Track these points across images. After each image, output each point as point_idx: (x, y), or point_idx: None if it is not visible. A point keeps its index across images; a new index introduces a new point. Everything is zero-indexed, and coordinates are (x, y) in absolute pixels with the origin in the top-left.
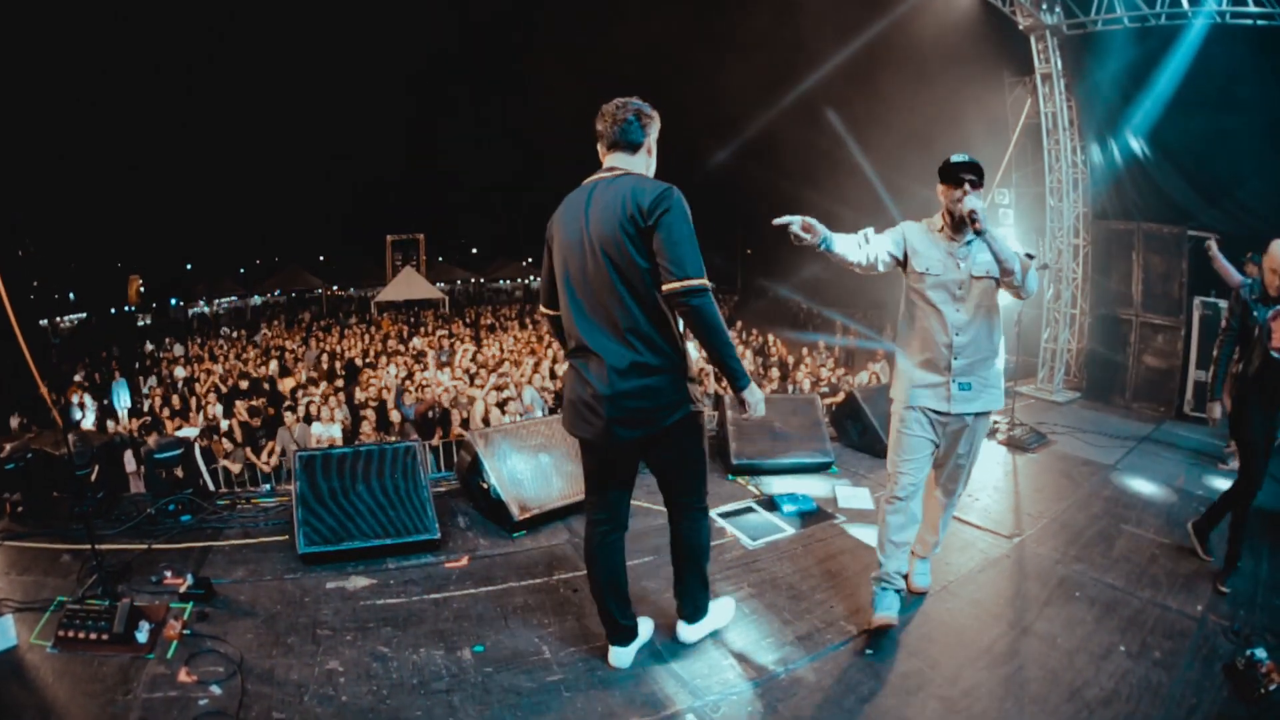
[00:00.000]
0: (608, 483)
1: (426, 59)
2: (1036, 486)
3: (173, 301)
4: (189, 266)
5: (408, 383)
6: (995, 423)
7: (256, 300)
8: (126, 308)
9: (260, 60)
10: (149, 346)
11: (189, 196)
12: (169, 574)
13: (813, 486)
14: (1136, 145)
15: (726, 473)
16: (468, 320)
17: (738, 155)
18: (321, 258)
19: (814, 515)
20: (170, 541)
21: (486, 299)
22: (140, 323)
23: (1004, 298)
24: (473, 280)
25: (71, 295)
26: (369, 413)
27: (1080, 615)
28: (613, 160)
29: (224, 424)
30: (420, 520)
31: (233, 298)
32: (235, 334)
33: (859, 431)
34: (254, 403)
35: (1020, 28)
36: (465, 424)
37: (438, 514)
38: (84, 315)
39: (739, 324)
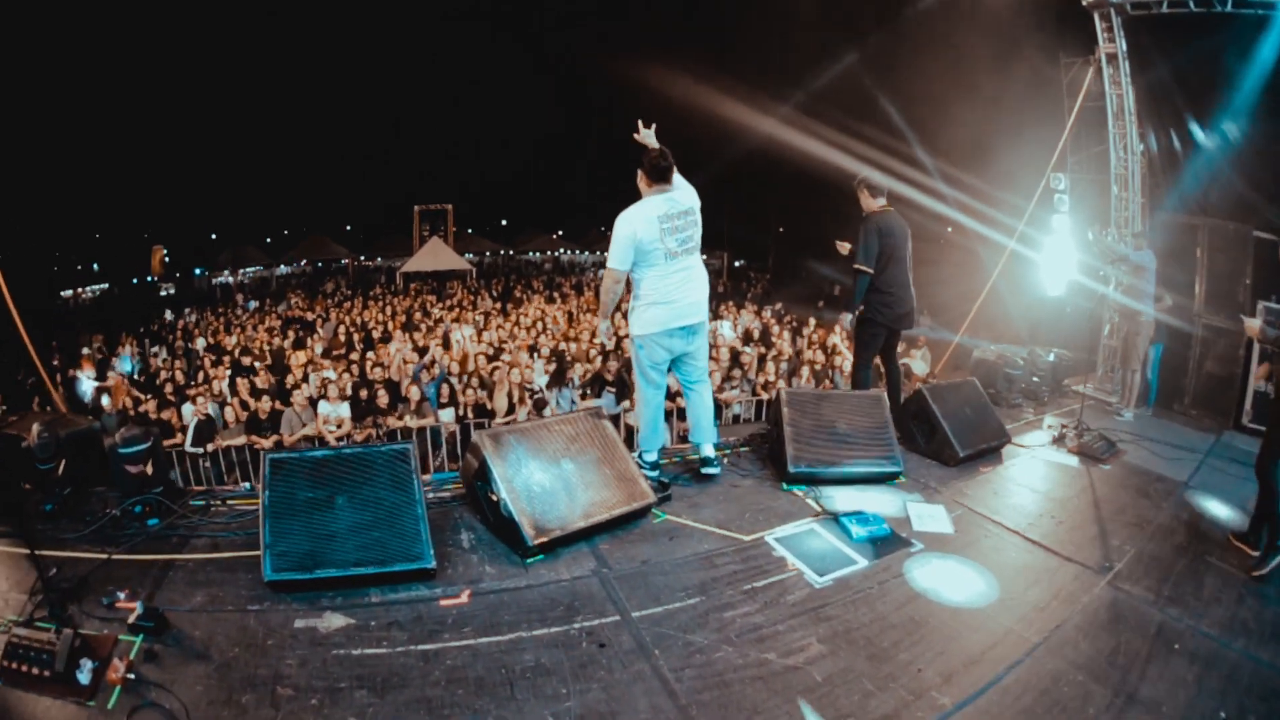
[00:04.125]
0: None
1: (458, 27)
2: (1117, 507)
3: (197, 271)
4: (214, 236)
5: (432, 354)
6: (1064, 427)
7: (282, 270)
8: (149, 278)
9: (287, 28)
10: (168, 316)
11: (214, 165)
12: (123, 595)
13: (881, 502)
14: (1201, 135)
15: (781, 481)
16: (495, 292)
17: (775, 132)
18: (348, 227)
19: (887, 541)
20: (132, 551)
21: (516, 270)
22: (163, 293)
23: None
24: (502, 252)
25: (95, 266)
26: (381, 390)
27: (1181, 673)
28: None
29: (228, 401)
30: (412, 545)
31: (258, 267)
32: (257, 304)
33: (927, 435)
34: (258, 380)
35: (1084, 3)
36: (483, 411)
37: (438, 525)
38: (105, 286)
39: (778, 304)
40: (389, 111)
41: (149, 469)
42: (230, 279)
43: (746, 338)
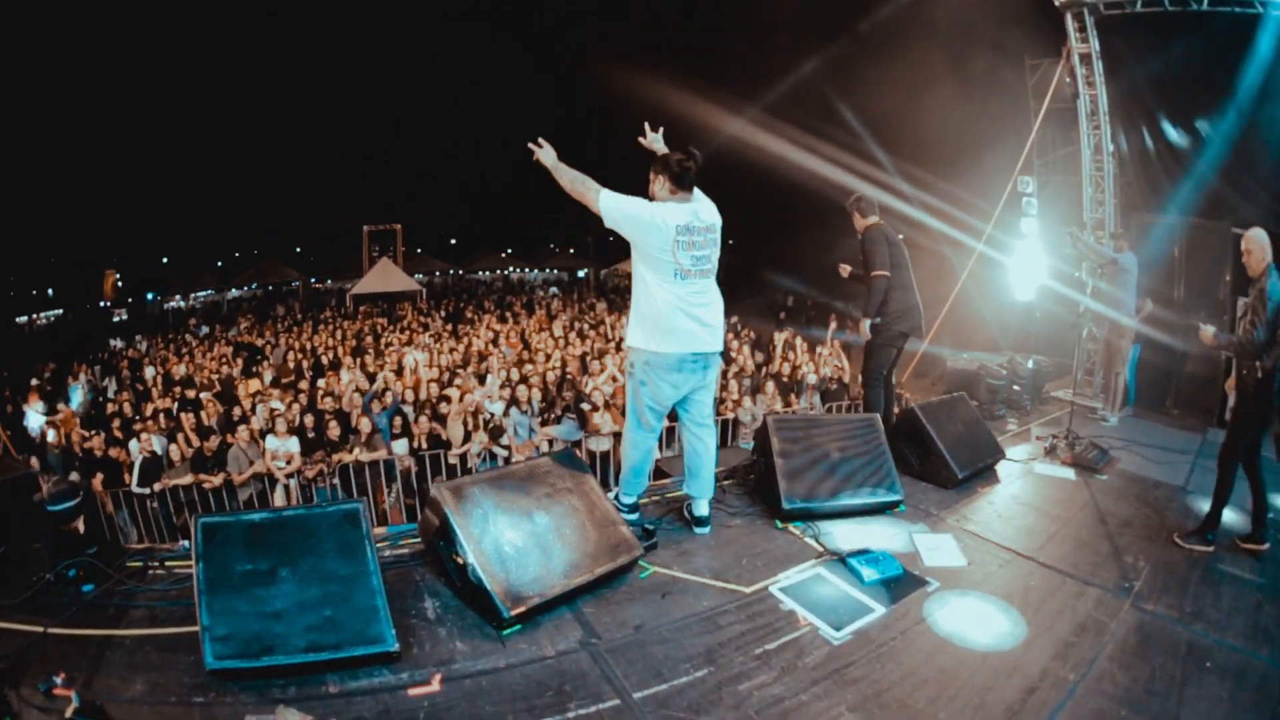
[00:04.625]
0: None
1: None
2: (1123, 519)
3: (149, 296)
4: (165, 260)
5: (383, 382)
6: (1054, 437)
7: (234, 293)
8: (102, 303)
9: (235, 51)
10: (118, 344)
11: (166, 189)
12: (59, 680)
13: (885, 536)
14: (1175, 135)
15: (774, 518)
16: (445, 312)
17: (731, 137)
18: (298, 249)
19: (900, 582)
20: (68, 624)
21: (466, 290)
22: (116, 318)
23: None
24: (451, 271)
25: (50, 291)
26: (332, 422)
27: (1216, 691)
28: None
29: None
30: (370, 624)
31: (209, 291)
32: (208, 330)
33: (921, 456)
34: (206, 411)
35: (1057, 3)
36: (438, 442)
37: (398, 590)
38: (60, 311)
39: (733, 318)
40: (339, 131)
41: (80, 526)
42: (182, 303)
43: None
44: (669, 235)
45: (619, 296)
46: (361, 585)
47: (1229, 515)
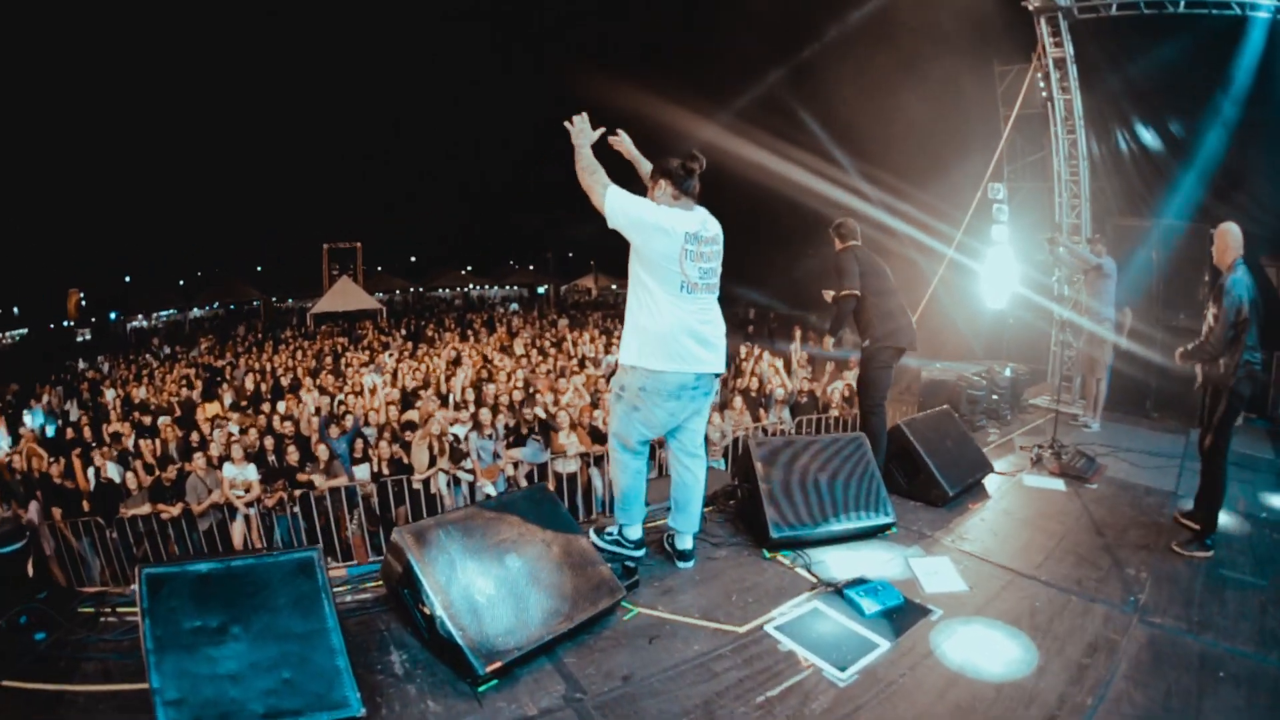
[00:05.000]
0: None
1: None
2: (1119, 529)
3: (112, 315)
4: (128, 279)
5: (343, 403)
6: (1039, 447)
7: (196, 312)
8: (65, 322)
9: (192, 69)
10: (81, 365)
11: (130, 206)
12: None
13: (879, 562)
14: (1149, 139)
15: (761, 548)
16: (406, 330)
17: (697, 143)
18: (259, 268)
19: (902, 612)
20: (20, 677)
21: (427, 308)
22: (79, 338)
23: None
24: (411, 289)
25: (15, 310)
26: (291, 448)
27: (1234, 701)
28: None
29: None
30: (332, 688)
31: (171, 310)
32: (169, 351)
33: (909, 475)
34: (165, 436)
35: (1031, 8)
36: (401, 466)
37: (361, 642)
38: (25, 331)
39: None
40: (300, 149)
41: (29, 568)
42: (145, 323)
43: None
44: (677, 242)
45: (579, 313)
46: (320, 644)
47: (1222, 516)
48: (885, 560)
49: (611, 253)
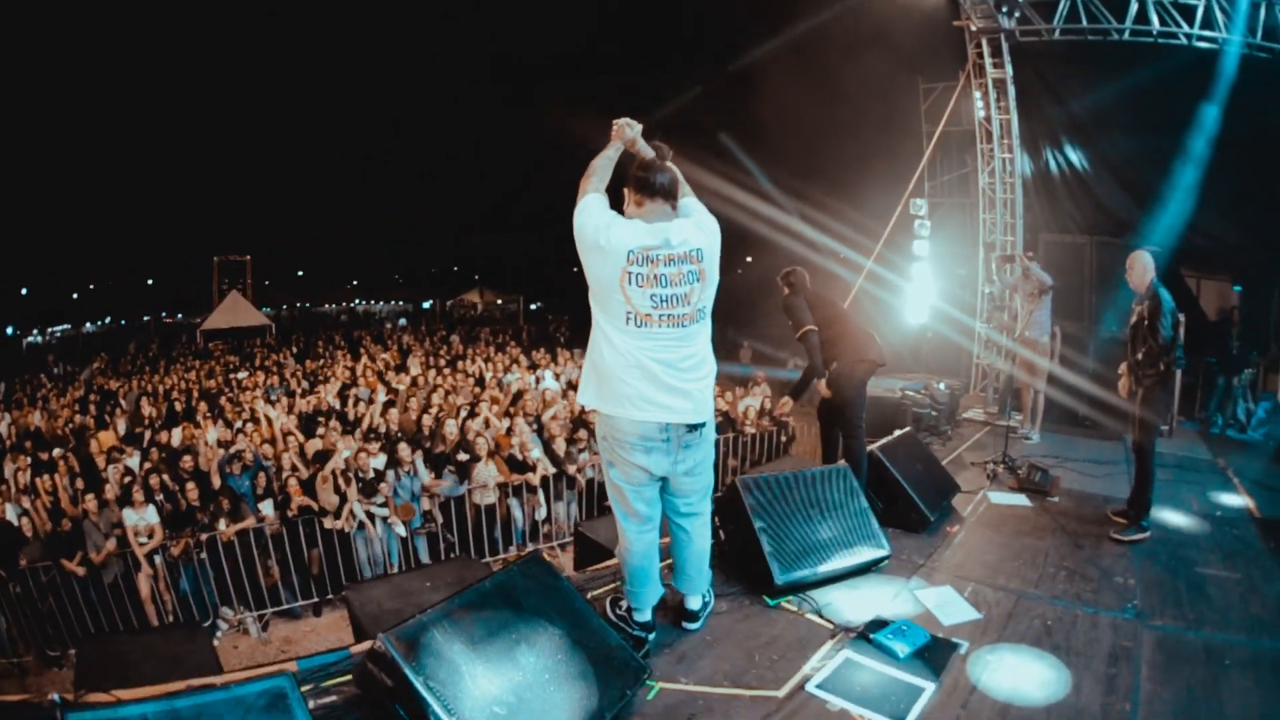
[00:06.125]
0: None
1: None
2: (1094, 539)
3: (9, 330)
4: (25, 291)
5: (241, 433)
6: (992, 463)
7: (89, 327)
8: None
9: (82, 77)
10: None
11: (24, 216)
12: None
13: (886, 598)
14: (1076, 157)
15: (761, 595)
16: (296, 349)
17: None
18: (150, 280)
19: (932, 650)
20: None
21: (314, 324)
22: None
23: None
24: (298, 305)
25: None
26: (190, 484)
27: (1243, 684)
28: None
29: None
30: None
31: (66, 325)
32: (60, 371)
33: (887, 501)
34: (58, 475)
35: (972, 29)
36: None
37: None
38: None
39: (574, 351)
40: (193, 156)
41: None
42: (39, 339)
43: (570, 389)
44: (615, 264)
45: (465, 328)
46: None
47: (1179, 516)
48: (892, 595)
49: (494, 266)
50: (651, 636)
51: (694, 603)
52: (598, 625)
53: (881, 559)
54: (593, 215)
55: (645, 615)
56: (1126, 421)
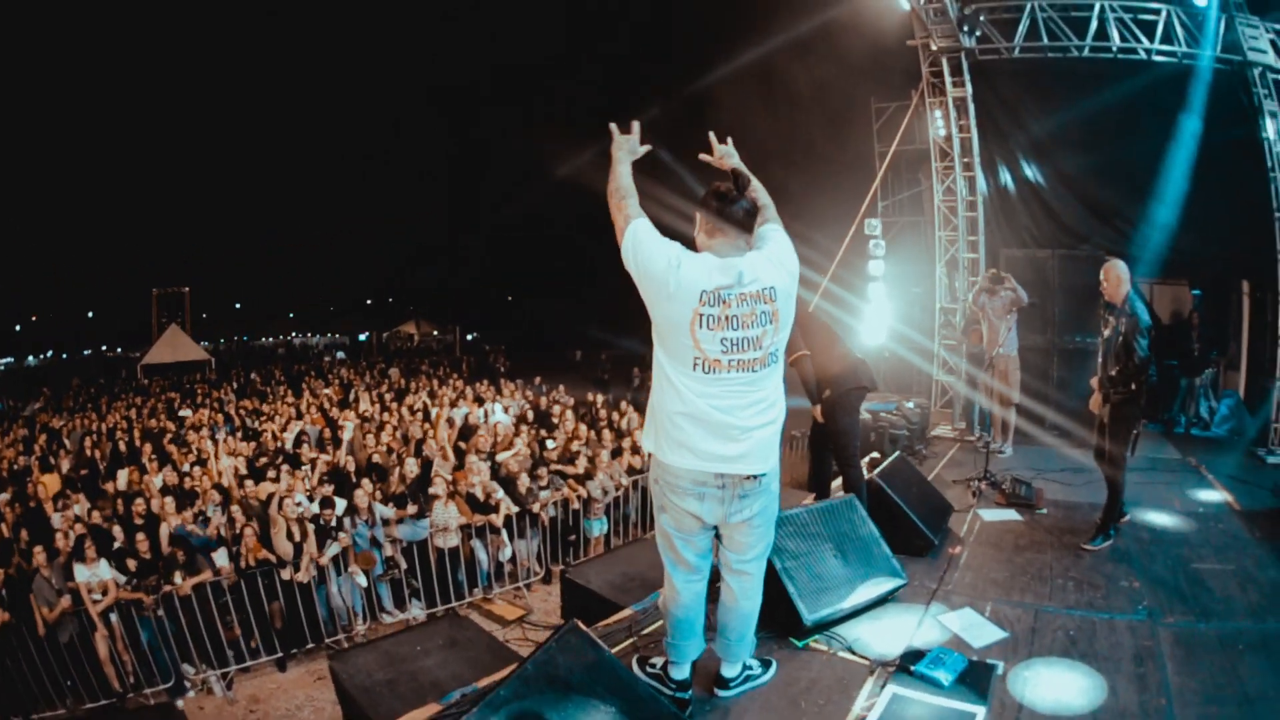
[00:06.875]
0: None
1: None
2: (1090, 548)
3: None
4: None
5: (188, 478)
6: (976, 480)
7: (31, 361)
8: None
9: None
10: None
11: None
12: None
13: (910, 626)
14: (1031, 172)
15: (787, 636)
16: (236, 384)
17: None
18: (90, 314)
19: (972, 674)
20: None
21: (252, 357)
22: None
23: None
24: (236, 338)
25: None
26: (140, 536)
27: (1257, 664)
28: None
29: None
30: None
31: (9, 359)
32: (4, 405)
33: (888, 527)
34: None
35: (933, 48)
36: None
37: None
38: None
39: (518, 382)
40: (131, 182)
41: None
42: None
43: (520, 422)
44: (687, 306)
45: (404, 360)
46: None
47: (1165, 517)
48: (915, 623)
49: (427, 297)
50: (688, 696)
51: (729, 670)
52: (646, 694)
53: (899, 587)
54: (658, 249)
55: (684, 671)
56: (1094, 431)
